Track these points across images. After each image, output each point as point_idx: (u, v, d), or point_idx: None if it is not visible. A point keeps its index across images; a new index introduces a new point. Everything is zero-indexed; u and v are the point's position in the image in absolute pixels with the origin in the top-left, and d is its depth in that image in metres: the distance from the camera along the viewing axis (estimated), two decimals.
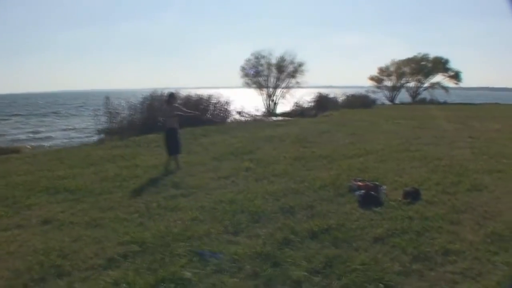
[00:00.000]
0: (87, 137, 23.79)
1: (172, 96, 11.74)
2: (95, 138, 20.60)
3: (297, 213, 6.89)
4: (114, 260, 5.18)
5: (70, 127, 33.54)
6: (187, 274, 4.70)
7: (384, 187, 8.27)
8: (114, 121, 20.79)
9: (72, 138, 25.78)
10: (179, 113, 11.44)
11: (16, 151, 16.08)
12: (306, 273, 4.73)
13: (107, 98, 21.29)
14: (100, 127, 21.38)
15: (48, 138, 26.75)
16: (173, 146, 10.92)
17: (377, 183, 8.36)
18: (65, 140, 24.21)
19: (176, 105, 11.67)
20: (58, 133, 29.68)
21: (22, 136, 26.87)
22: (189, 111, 12.64)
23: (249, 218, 6.62)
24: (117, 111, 21.22)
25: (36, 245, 5.77)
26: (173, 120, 11.11)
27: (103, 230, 6.29)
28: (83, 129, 30.04)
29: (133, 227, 6.32)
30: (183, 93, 24.85)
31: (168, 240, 5.65)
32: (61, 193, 8.65)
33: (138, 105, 22.29)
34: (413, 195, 7.71)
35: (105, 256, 5.31)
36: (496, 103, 65.88)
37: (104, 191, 8.61)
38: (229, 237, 5.87)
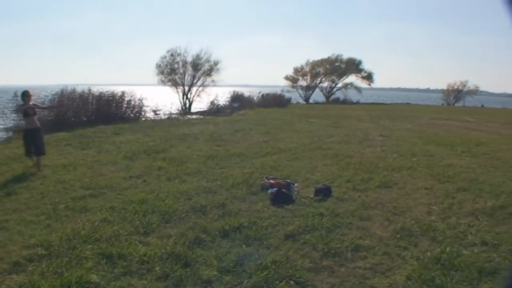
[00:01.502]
0: None
1: (25, 95, 10.87)
2: (3, 136, 19.70)
3: (209, 212, 6.96)
4: (19, 264, 5.03)
5: None
6: (94, 277, 4.65)
7: (296, 184, 8.51)
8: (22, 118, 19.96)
9: None
10: (37, 109, 11.17)
11: None
12: (217, 273, 4.80)
13: (15, 94, 20.44)
14: (8, 125, 20.48)
15: None
16: (35, 147, 10.49)
17: (289, 180, 8.58)
18: None
19: (32, 103, 10.97)
20: None
21: None
22: (45, 106, 13.41)
23: (160, 218, 6.62)
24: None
25: None
26: (33, 119, 10.65)
27: (8, 233, 6.06)
28: None
29: (39, 230, 6.13)
30: (96, 89, 24.26)
31: (75, 243, 5.53)
32: None
33: (47, 102, 21.50)
34: (324, 192, 7.99)
35: (10, 260, 5.13)
36: (407, 103, 69.10)
37: (10, 192, 8.25)
38: (139, 238, 5.84)
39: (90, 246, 5.47)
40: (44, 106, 12.37)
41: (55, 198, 7.83)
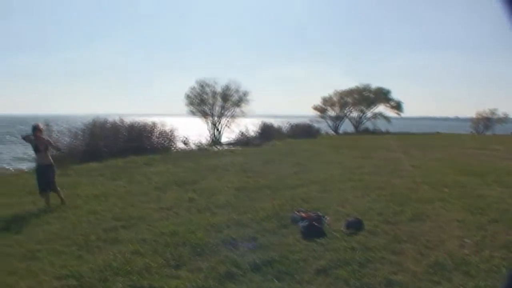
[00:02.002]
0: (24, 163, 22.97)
1: (36, 128, 10.07)
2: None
3: (240, 246, 6.86)
4: None
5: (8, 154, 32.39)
6: None
7: (327, 217, 8.36)
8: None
9: (11, 164, 24.82)
10: (49, 145, 10.40)
11: None
12: None
13: (46, 124, 20.80)
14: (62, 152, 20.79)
15: None
16: (47, 183, 9.91)
17: (320, 213, 8.45)
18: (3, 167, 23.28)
19: (44, 137, 10.42)
20: None
21: None
22: (55, 144, 11.79)
23: (191, 251, 6.54)
24: (57, 137, 20.70)
25: None
26: (44, 155, 10.14)
27: (39, 263, 6.08)
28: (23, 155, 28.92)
29: (70, 260, 6.14)
30: (127, 120, 24.58)
31: (106, 275, 5.51)
32: None
33: (79, 132, 21.83)
34: (355, 226, 7.80)
35: None
36: (436, 132, 68.14)
37: (41, 222, 8.36)
38: (170, 271, 5.77)
39: (121, 278, 5.43)
40: (52, 143, 11.19)
41: (86, 228, 7.87)
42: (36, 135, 9.99)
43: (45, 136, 10.59)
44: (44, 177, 9.93)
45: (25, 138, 10.15)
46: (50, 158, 10.34)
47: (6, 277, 5.59)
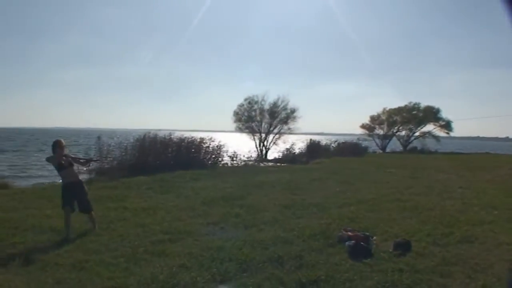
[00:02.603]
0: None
1: (56, 145, 8.99)
2: (85, 177, 20.39)
3: (286, 263, 6.76)
4: None
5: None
6: None
7: (375, 238, 8.20)
8: (105, 161, 20.69)
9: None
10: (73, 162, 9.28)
11: (3, 186, 15.79)
12: None
13: (98, 137, 21.28)
14: (90, 167, 21.27)
15: (37, 175, 26.28)
16: (78, 203, 8.93)
17: (367, 233, 8.29)
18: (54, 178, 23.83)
19: (66, 153, 9.29)
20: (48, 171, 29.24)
21: (6, 173, 26.22)
22: (80, 158, 10.22)
23: (237, 267, 6.49)
24: (108, 150, 21.16)
25: (18, 286, 5.63)
26: (70, 171, 9.13)
27: (87, 274, 6.15)
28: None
29: (118, 272, 6.19)
30: (175, 135, 24.89)
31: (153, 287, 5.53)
32: (47, 232, 8.52)
33: (129, 146, 22.24)
34: (403, 247, 7.61)
35: None
36: (486, 153, 66.48)
37: (90, 233, 8.49)
38: (216, 286, 5.76)
39: None
40: (79, 158, 10.10)
41: (134, 241, 7.93)
42: (59, 152, 8.92)
43: (67, 151, 9.42)
44: (73, 195, 8.91)
45: (48, 159, 9.32)
46: (77, 174, 9.53)
47: (54, 286, 5.68)
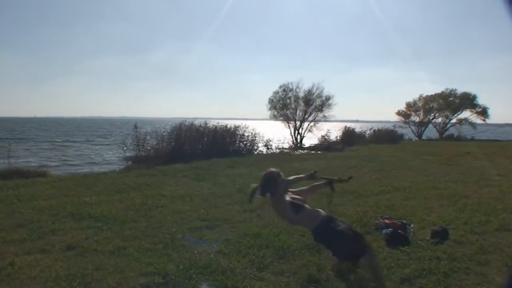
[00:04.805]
0: (113, 163, 23.85)
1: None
2: (123, 165, 20.68)
3: (323, 250, 6.70)
4: None
5: (99, 153, 33.77)
6: None
7: (412, 225, 8.11)
8: (141, 149, 20.95)
9: (100, 163, 25.85)
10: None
11: (42, 174, 16.11)
12: None
13: (135, 126, 21.53)
14: (127, 154, 21.59)
15: (75, 164, 26.74)
16: None
17: (404, 221, 8.21)
18: (93, 166, 24.26)
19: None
20: (86, 159, 29.77)
21: (51, 163, 26.69)
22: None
23: (274, 253, 6.50)
24: (144, 139, 21.44)
25: (58, 271, 5.71)
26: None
27: (126, 260, 6.22)
28: (112, 155, 30.05)
29: (156, 258, 6.23)
30: (210, 123, 25.06)
31: (191, 273, 5.55)
32: (86, 219, 8.62)
33: (165, 134, 22.48)
34: (441, 235, 7.51)
35: (128, 286, 5.24)
36: None
37: (128, 220, 8.56)
38: (253, 272, 5.74)
39: (206, 277, 5.46)
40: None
41: (172, 227, 7.97)
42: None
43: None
44: None
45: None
46: None
47: (94, 272, 5.72)
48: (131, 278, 5.49)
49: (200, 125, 24.09)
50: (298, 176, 6.08)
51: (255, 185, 5.93)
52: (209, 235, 7.49)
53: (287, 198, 5.66)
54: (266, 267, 6.01)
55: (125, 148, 21.68)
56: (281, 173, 5.94)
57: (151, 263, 5.96)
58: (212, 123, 25.57)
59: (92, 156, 31.29)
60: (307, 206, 5.73)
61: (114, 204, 10.03)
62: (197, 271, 5.62)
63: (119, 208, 9.54)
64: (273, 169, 6.05)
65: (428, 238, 7.49)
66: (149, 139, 21.77)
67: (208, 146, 22.97)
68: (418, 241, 7.29)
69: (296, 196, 5.79)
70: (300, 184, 6.20)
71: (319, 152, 30.10)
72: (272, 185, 5.79)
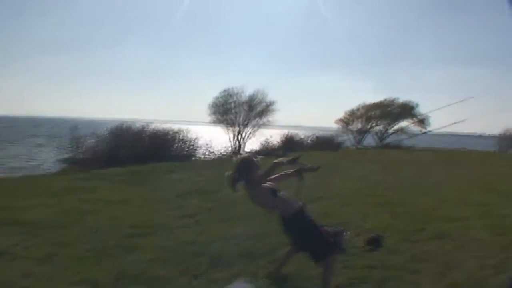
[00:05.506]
0: (49, 166, 23.21)
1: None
2: (59, 167, 20.18)
3: (258, 259, 6.73)
4: None
5: (34, 154, 32.76)
6: None
7: (347, 233, 8.21)
8: (78, 151, 20.54)
9: (34, 166, 25.07)
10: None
11: None
12: None
13: (72, 127, 21.09)
14: (64, 156, 21.12)
15: (7, 166, 25.82)
16: None
17: (340, 228, 8.30)
18: (26, 168, 23.49)
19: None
20: (19, 161, 28.80)
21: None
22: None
23: (209, 261, 6.43)
24: (82, 141, 21.04)
25: None
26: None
27: (56, 267, 6.03)
28: (48, 156, 29.20)
29: (87, 266, 6.06)
30: (151, 126, 24.80)
31: (123, 283, 5.44)
32: (16, 224, 8.28)
33: (103, 137, 22.11)
34: (375, 242, 7.63)
35: None
36: (463, 148, 67.50)
37: (61, 225, 8.30)
38: (187, 281, 5.68)
39: (138, 286, 5.38)
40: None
41: (105, 234, 7.78)
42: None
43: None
44: None
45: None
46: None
47: (22, 279, 5.54)
48: (59, 287, 5.33)
49: (139, 128, 23.80)
50: (276, 162, 5.67)
51: (230, 172, 5.70)
52: (144, 242, 7.34)
53: (265, 183, 5.58)
54: (200, 275, 5.93)
55: (62, 150, 21.21)
56: (255, 158, 5.84)
57: (81, 271, 5.80)
58: (153, 125, 25.34)
59: (26, 157, 30.26)
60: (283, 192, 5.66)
61: (47, 209, 9.72)
62: (129, 280, 5.51)
63: (52, 213, 9.26)
64: (245, 154, 6.14)
65: (362, 245, 7.57)
66: (87, 141, 21.36)
67: (147, 150, 22.68)
68: (352, 249, 7.35)
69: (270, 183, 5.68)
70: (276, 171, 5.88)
71: (259, 157, 30.13)
72: (247, 170, 5.62)
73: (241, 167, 5.63)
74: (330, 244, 5.47)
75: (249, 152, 6.99)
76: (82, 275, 5.65)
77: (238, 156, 5.89)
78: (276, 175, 5.92)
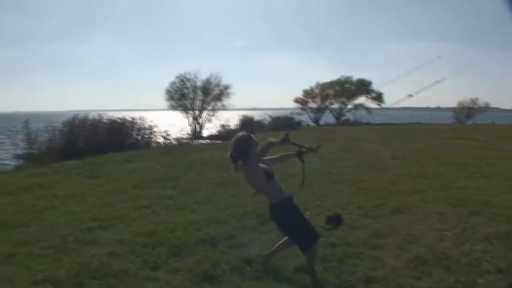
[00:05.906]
0: (3, 163, 22.66)
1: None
2: (13, 164, 19.72)
3: (219, 244, 6.82)
4: None
5: None
6: None
7: (307, 213, 8.32)
8: (33, 146, 20.13)
9: None
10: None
11: None
12: None
13: (25, 122, 20.63)
14: (18, 152, 20.67)
15: None
16: None
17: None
18: None
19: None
20: None
21: None
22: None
23: (168, 251, 6.50)
24: (36, 135, 20.60)
25: None
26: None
27: (16, 268, 5.99)
28: (1, 153, 28.47)
29: (47, 264, 6.06)
30: (107, 116, 24.44)
31: (83, 278, 5.45)
32: None
33: (58, 129, 21.69)
34: (335, 220, 7.79)
35: None
36: (418, 123, 68.88)
37: (18, 224, 8.19)
38: (147, 272, 5.74)
39: (98, 282, 5.39)
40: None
41: (64, 230, 7.74)
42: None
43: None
44: None
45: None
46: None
47: None
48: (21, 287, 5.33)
49: (95, 118, 23.45)
50: (271, 141, 5.80)
51: (230, 152, 5.61)
52: (103, 236, 7.34)
53: (261, 164, 5.58)
54: (160, 266, 6.00)
55: (16, 145, 20.76)
56: (252, 136, 5.78)
57: (41, 270, 5.79)
58: (109, 115, 24.98)
59: None
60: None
61: (2, 208, 9.58)
62: (88, 276, 5.53)
63: (8, 212, 9.12)
64: (243, 133, 5.88)
65: (322, 224, 7.69)
66: (41, 135, 20.92)
67: (104, 140, 22.36)
68: None
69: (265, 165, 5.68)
70: (271, 152, 5.94)
71: (218, 141, 30.13)
72: (243, 149, 5.59)
73: (237, 146, 5.62)
74: (315, 234, 5.60)
75: (245, 132, 6.68)
76: (43, 274, 5.64)
77: (236, 135, 5.85)
78: (277, 156, 6.04)
